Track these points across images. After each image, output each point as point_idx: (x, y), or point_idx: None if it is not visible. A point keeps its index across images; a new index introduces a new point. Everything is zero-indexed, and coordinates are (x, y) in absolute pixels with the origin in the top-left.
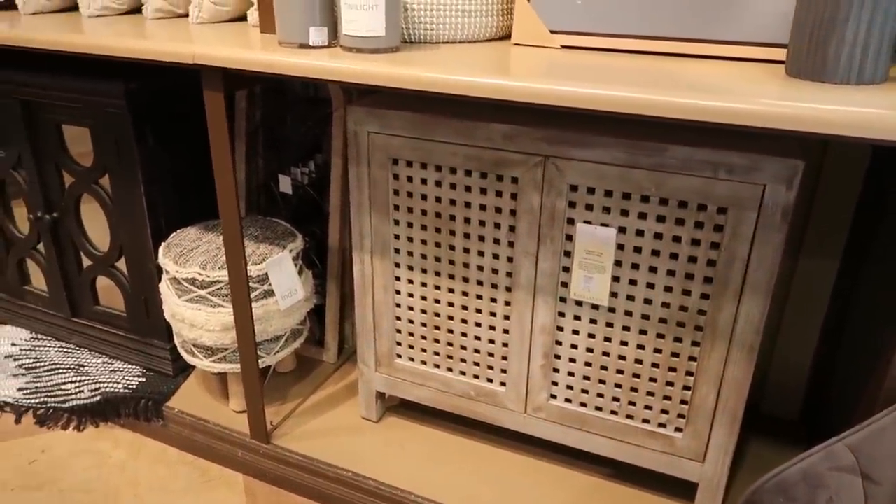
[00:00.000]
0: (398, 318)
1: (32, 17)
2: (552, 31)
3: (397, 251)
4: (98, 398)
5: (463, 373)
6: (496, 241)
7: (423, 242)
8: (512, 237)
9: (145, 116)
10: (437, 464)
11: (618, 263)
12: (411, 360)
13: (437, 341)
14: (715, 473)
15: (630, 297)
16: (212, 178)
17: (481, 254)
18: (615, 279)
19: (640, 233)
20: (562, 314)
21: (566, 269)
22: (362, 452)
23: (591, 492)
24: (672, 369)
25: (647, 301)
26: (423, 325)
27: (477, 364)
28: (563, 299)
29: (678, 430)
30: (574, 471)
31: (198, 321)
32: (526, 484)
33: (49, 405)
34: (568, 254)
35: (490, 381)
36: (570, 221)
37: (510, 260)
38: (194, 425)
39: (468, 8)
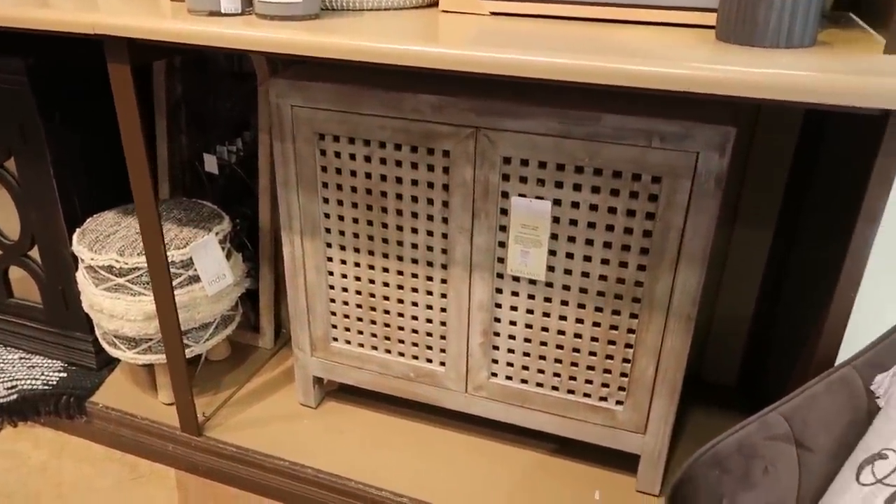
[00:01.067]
0: (332, 300)
1: None
2: None
3: (328, 230)
4: (15, 396)
5: (401, 354)
6: (430, 218)
7: (355, 221)
8: (445, 213)
9: (51, 93)
10: (379, 448)
11: (554, 237)
12: (348, 342)
13: (373, 322)
14: (656, 445)
15: (567, 271)
16: None
17: (415, 231)
18: (552, 253)
19: (575, 205)
20: (499, 290)
21: (502, 245)
22: (300, 440)
23: (535, 468)
24: (611, 342)
25: (585, 274)
26: (359, 306)
27: (415, 344)
28: (500, 275)
29: (619, 402)
30: (518, 448)
31: (117, 311)
32: (470, 464)
33: None
34: (503, 228)
35: (429, 361)
36: (505, 195)
37: (445, 236)
38: (121, 420)
39: None
